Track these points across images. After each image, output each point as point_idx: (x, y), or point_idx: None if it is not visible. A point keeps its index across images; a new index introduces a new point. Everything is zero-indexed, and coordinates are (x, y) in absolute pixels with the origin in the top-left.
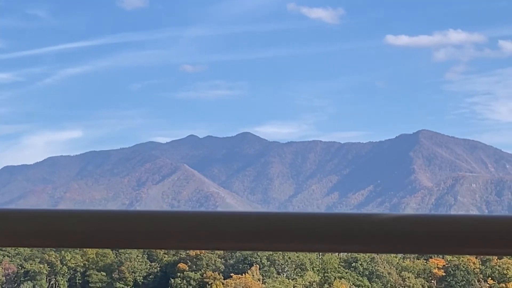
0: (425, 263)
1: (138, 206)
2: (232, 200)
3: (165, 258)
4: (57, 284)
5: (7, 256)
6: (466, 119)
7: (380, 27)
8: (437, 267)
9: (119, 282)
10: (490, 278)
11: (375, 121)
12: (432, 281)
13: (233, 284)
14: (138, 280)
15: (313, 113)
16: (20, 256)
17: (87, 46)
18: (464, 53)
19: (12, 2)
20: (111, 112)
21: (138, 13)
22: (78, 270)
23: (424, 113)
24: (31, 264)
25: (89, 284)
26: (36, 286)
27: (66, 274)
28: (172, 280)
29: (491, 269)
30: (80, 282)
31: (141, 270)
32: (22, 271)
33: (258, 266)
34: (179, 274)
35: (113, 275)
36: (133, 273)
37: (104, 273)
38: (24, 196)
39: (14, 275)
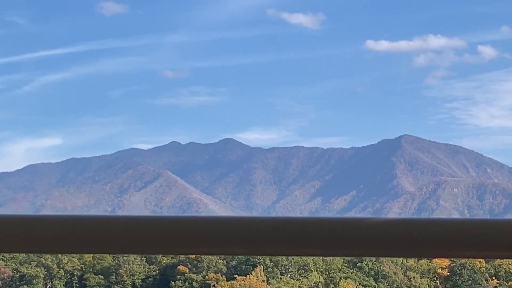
0: (429, 263)
1: (120, 213)
2: (215, 206)
3: (164, 261)
4: None
5: (2, 259)
6: (446, 124)
7: (361, 32)
8: (441, 268)
9: (117, 286)
10: (494, 278)
11: (357, 126)
12: (437, 281)
13: (238, 286)
14: (137, 283)
15: (294, 119)
16: (15, 260)
17: (67, 53)
18: (444, 58)
19: None
20: (91, 119)
21: (118, 19)
22: (75, 273)
23: (405, 118)
24: (27, 268)
25: None
26: None
27: (63, 278)
28: (173, 282)
29: (495, 268)
30: (77, 285)
31: (139, 273)
32: (18, 275)
33: (261, 267)
34: (178, 276)
35: (111, 278)
36: (131, 276)
37: (101, 277)
38: (4, 204)
39: (9, 280)
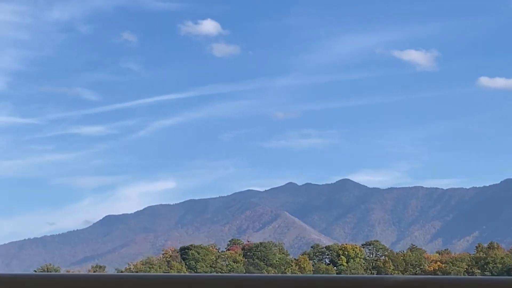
0: None
1: None
2: None
3: None
4: None
5: None
6: None
7: (475, 69)
8: None
9: None
10: None
11: (473, 167)
12: None
13: None
14: None
15: (405, 160)
16: None
17: (179, 98)
18: None
19: (106, 56)
20: (203, 162)
21: (229, 61)
22: None
23: None
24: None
25: None
26: None
27: None
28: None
29: None
30: None
31: None
32: None
33: None
34: None
35: None
36: None
37: None
38: (126, 245)
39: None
